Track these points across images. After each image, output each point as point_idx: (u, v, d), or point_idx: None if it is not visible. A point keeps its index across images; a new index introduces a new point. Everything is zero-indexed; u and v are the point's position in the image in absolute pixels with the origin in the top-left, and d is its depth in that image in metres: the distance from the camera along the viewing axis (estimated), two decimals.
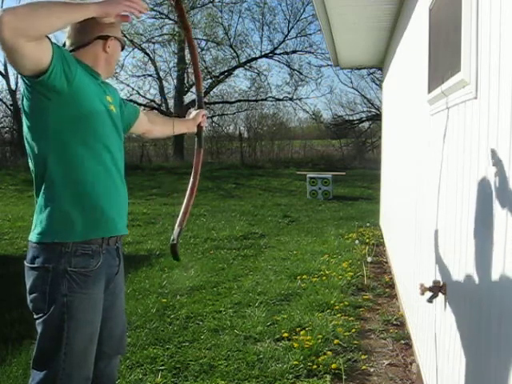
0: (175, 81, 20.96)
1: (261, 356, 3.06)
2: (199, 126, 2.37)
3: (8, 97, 19.93)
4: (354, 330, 3.45)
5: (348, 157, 19.65)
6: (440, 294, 2.04)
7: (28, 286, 1.70)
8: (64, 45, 1.84)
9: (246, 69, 21.03)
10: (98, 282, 1.75)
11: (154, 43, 19.96)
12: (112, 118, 1.82)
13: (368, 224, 7.62)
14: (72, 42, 1.80)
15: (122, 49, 1.94)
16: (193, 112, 2.38)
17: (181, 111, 20.34)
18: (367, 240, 6.43)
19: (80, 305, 1.68)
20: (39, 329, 1.69)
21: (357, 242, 6.29)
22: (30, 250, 1.71)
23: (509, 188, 1.25)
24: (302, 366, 2.91)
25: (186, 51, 20.23)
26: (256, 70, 20.97)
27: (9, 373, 2.84)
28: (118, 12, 1.67)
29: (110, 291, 1.86)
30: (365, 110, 21.18)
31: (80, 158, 1.69)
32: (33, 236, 1.70)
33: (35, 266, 1.67)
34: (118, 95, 1.98)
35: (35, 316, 1.70)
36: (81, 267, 1.68)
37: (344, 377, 2.80)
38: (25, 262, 1.72)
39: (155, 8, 19.53)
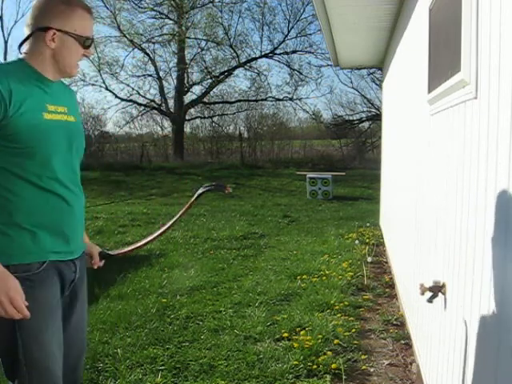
0: (175, 81, 21.00)
1: (261, 356, 3.06)
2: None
3: None
4: (354, 330, 3.45)
5: (348, 157, 19.64)
6: (440, 294, 2.04)
7: None
8: None
9: (246, 69, 21.05)
10: (48, 286, 1.59)
11: (154, 43, 20.00)
12: (57, 128, 1.62)
13: (368, 224, 7.62)
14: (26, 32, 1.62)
15: (87, 45, 1.66)
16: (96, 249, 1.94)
17: (180, 111, 20.38)
18: (367, 240, 6.43)
19: (29, 312, 1.49)
20: None
21: (357, 242, 6.29)
22: None
23: (509, 188, 1.25)
24: (302, 366, 2.91)
25: (186, 51, 20.31)
26: (256, 70, 21.02)
27: None
28: None
29: (65, 300, 1.69)
30: (365, 110, 21.19)
31: (9, 181, 1.54)
32: None
33: None
34: (73, 102, 1.79)
35: None
36: (22, 272, 1.52)
37: (344, 377, 2.80)
38: None
39: (155, 8, 19.58)
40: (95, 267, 1.91)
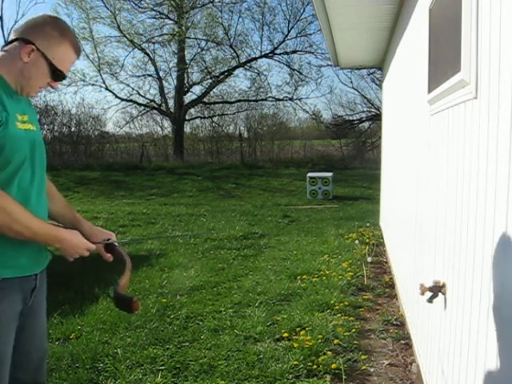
0: (175, 81, 21.00)
1: (261, 356, 3.06)
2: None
3: None
4: (354, 330, 3.45)
5: (348, 157, 19.64)
6: (440, 294, 2.04)
7: None
8: None
9: (246, 69, 21.06)
10: (7, 296, 1.54)
11: (154, 43, 20.00)
12: (25, 138, 1.59)
13: (368, 224, 7.62)
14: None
15: (56, 77, 1.65)
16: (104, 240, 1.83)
17: (180, 111, 20.38)
18: (367, 240, 6.43)
19: None
20: None
21: (357, 242, 6.28)
22: None
23: (509, 187, 1.25)
24: (301, 366, 2.91)
25: (186, 51, 20.33)
26: (256, 70, 21.02)
27: None
28: (69, 257, 1.64)
29: (26, 309, 1.64)
30: (365, 109, 21.20)
31: None
32: None
33: None
34: (32, 109, 1.74)
35: None
36: None
37: (344, 377, 2.80)
38: None
39: (155, 8, 19.58)
40: (109, 261, 1.83)
